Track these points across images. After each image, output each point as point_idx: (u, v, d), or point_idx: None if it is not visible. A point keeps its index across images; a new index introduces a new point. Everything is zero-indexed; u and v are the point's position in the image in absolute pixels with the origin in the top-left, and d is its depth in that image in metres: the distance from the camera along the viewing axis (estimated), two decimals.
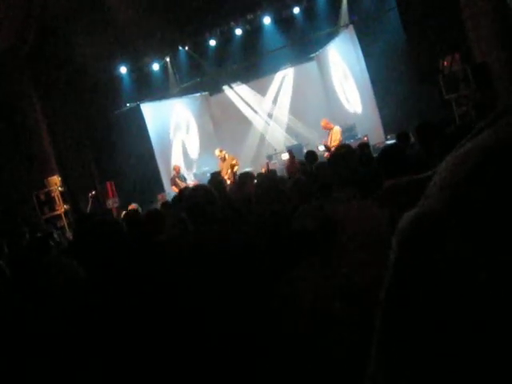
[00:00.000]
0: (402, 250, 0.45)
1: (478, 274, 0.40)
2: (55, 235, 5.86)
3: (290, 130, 14.96)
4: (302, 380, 2.17)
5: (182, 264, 2.70)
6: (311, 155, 7.15)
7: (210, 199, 2.77)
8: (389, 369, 0.45)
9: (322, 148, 10.32)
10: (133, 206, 9.82)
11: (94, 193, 11.52)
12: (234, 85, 15.48)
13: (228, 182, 9.55)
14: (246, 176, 5.49)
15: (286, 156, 10.38)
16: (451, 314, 0.41)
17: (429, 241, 0.43)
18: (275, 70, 14.98)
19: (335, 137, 9.96)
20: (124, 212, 9.25)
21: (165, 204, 6.44)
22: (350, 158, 2.94)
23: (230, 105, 15.59)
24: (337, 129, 10.11)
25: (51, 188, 11.03)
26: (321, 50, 14.40)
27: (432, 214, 0.44)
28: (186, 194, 2.97)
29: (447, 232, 0.42)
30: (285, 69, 15.03)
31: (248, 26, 13.96)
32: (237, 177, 10.45)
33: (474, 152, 0.44)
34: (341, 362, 2.08)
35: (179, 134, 15.21)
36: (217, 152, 11.34)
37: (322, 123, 10.35)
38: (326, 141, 10.18)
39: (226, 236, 2.75)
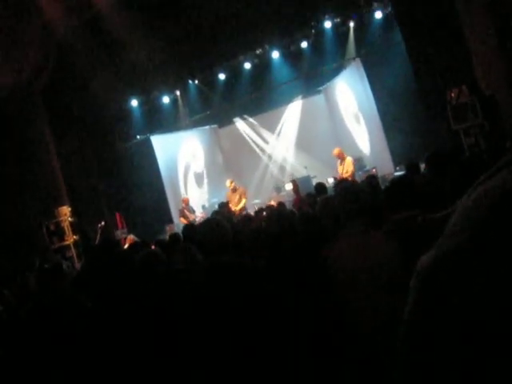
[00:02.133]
0: (426, 289, 0.46)
1: (506, 309, 0.40)
2: (64, 266, 5.86)
3: (298, 162, 15.01)
4: None
5: (195, 293, 2.68)
6: (320, 187, 7.13)
7: (222, 232, 2.77)
8: None
9: (331, 180, 10.33)
10: (130, 237, 9.90)
11: (102, 223, 11.53)
12: (243, 117, 15.66)
13: (236, 214, 9.59)
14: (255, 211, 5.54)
15: (289, 186, 10.37)
16: (487, 348, 0.41)
17: (454, 279, 0.43)
18: (283, 103, 15.14)
19: (347, 167, 10.01)
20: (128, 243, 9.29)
21: (173, 236, 6.39)
22: (354, 191, 2.93)
23: (239, 137, 15.75)
24: (349, 159, 10.16)
25: (61, 218, 11.06)
26: (328, 83, 14.56)
27: (455, 253, 0.45)
28: (198, 229, 2.97)
29: (471, 270, 0.42)
30: (293, 102, 15.19)
31: (257, 60, 14.17)
32: (246, 210, 10.51)
33: (493, 193, 0.45)
34: None
35: (188, 166, 15.32)
36: (227, 183, 11.47)
37: (336, 152, 10.37)
38: (337, 173, 10.19)
39: (238, 265, 2.74)
